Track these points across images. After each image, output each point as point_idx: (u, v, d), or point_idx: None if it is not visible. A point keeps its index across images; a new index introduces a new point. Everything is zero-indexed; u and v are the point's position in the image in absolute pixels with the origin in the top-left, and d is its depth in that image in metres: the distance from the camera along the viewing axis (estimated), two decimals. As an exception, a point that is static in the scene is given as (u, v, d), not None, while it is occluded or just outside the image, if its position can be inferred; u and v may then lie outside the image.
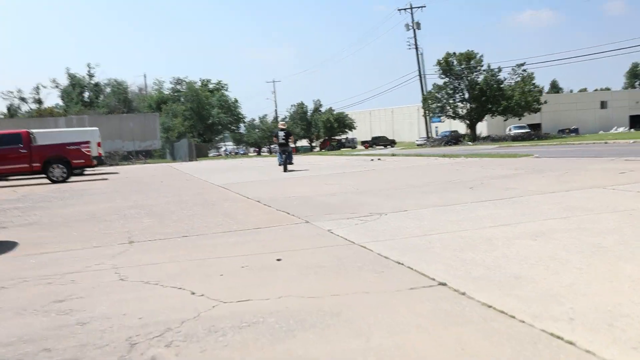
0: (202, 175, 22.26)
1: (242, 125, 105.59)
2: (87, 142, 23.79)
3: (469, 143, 63.10)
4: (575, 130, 79.75)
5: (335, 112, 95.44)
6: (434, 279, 4.51)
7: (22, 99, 75.14)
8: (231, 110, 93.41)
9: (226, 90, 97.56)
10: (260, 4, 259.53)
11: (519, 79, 68.19)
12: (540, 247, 5.43)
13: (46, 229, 9.49)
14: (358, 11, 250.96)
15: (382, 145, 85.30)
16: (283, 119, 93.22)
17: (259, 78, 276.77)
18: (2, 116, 66.91)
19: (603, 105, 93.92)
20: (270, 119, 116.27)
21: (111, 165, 43.43)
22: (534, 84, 68.68)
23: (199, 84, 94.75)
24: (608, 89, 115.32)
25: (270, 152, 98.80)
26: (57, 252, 7.15)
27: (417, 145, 73.69)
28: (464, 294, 4.11)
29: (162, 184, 19.11)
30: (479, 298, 3.97)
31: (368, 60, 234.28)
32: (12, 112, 71.23)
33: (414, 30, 62.49)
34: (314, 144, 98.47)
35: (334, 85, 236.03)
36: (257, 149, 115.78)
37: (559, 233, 6.00)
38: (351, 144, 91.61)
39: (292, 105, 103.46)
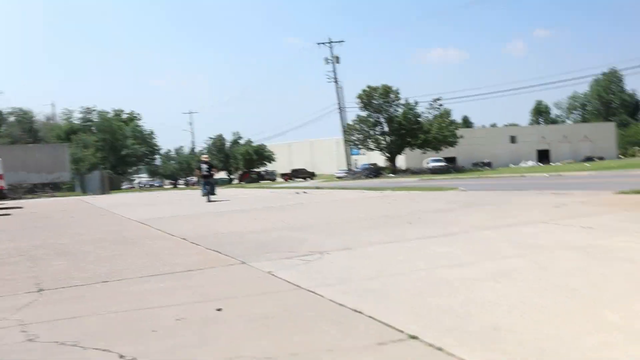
0: (117, 210, 21.01)
1: (157, 157, 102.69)
2: (-11, 175, 21.96)
3: (390, 175, 64.04)
4: (489, 164, 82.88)
5: (254, 144, 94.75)
6: (402, 331, 4.01)
7: None
8: (146, 141, 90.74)
9: (139, 120, 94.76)
10: (171, 35, 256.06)
11: (437, 112, 70.32)
12: (507, 290, 5.06)
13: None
14: (271, 44, 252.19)
15: (302, 177, 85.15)
16: (203, 151, 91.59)
17: (175, 109, 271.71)
18: None
19: (513, 140, 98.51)
20: (187, 150, 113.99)
21: (14, 199, 40.64)
22: (451, 119, 71.07)
23: (112, 114, 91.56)
24: (516, 125, 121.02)
25: (187, 184, 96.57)
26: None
27: (337, 177, 73.99)
28: (441, 349, 3.64)
29: (73, 219, 17.78)
30: (460, 354, 3.50)
31: (287, 92, 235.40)
32: None
33: (334, 64, 63.27)
34: (232, 176, 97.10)
35: (253, 118, 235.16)
36: (174, 182, 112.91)
37: (521, 273, 5.68)
38: (271, 177, 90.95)
39: (209, 138, 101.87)
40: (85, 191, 54.57)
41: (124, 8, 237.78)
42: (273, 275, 6.42)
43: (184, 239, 10.55)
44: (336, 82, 61.99)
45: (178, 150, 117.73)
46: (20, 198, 42.53)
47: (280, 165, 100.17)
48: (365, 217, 12.80)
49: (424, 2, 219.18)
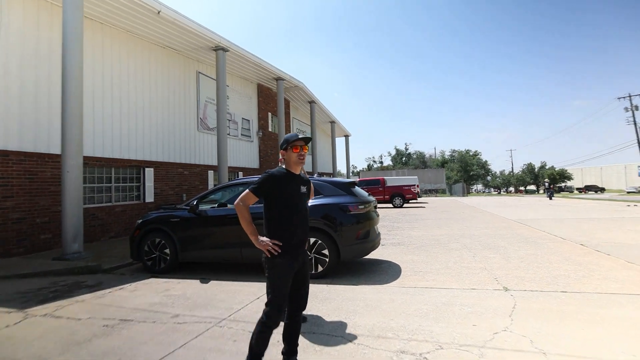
0: (486, 209, 17.11)
1: (489, 175, 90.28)
2: (413, 185, 21.36)
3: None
4: None
5: (557, 169, 75.41)
6: None
7: (374, 161, 77.78)
8: (484, 167, 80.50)
9: (480, 155, 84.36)
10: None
11: None
12: None
13: (414, 253, 6.61)
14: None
15: (593, 191, 63.15)
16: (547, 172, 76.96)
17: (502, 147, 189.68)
18: (365, 169, 70.51)
19: None
20: (506, 172, 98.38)
21: (427, 196, 39.83)
22: None
23: (465, 152, 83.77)
24: None
25: (505, 192, 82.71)
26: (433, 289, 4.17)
27: (628, 192, 51.76)
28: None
29: (464, 213, 14.79)
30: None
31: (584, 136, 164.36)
32: (369, 168, 74.54)
33: (633, 112, 44.54)
34: (539, 189, 79.10)
35: (556, 152, 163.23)
36: (498, 190, 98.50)
37: None
38: (569, 190, 70.47)
39: (524, 164, 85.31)
40: (451, 194, 51.30)
41: None
42: None
43: (581, 244, 6.82)
44: (635, 125, 43.44)
45: (501, 172, 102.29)
46: (421, 197, 41.90)
47: (574, 182, 77.09)
48: None
49: None
